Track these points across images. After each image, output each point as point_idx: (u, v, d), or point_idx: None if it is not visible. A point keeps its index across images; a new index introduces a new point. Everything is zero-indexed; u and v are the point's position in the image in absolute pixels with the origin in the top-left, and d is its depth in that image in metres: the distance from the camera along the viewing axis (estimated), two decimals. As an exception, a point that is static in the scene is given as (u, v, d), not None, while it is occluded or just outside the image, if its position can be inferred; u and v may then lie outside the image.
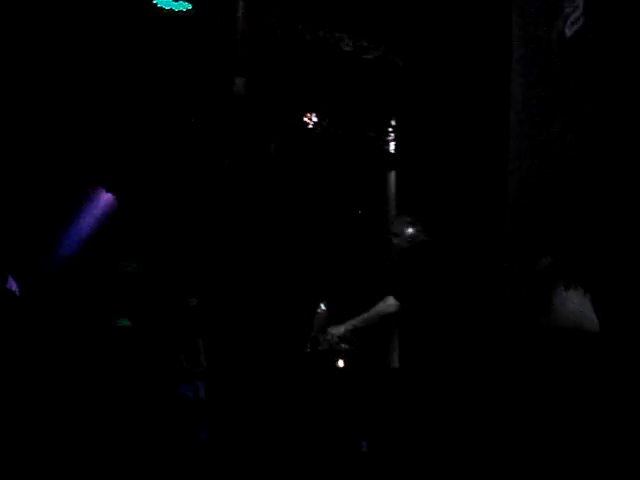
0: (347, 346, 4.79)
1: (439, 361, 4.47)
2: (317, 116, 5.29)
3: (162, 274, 4.90)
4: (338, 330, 4.79)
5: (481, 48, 4.69)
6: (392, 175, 5.46)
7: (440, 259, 4.61)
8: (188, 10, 5.07)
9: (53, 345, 4.56)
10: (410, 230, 4.50)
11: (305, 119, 5.29)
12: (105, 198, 4.77)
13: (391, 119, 5.45)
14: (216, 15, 5.05)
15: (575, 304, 3.86)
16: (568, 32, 3.55)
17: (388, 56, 5.35)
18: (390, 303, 4.56)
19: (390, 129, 5.45)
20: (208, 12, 5.07)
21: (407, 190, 5.31)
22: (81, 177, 4.80)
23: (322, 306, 4.97)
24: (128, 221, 4.87)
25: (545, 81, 4.05)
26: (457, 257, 4.80)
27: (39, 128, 4.82)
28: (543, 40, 3.98)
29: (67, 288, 4.72)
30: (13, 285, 4.48)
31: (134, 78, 4.96)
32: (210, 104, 5.07)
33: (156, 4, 5.06)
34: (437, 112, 5.07)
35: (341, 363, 4.81)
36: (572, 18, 3.48)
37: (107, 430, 4.44)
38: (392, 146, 5.46)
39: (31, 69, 4.90)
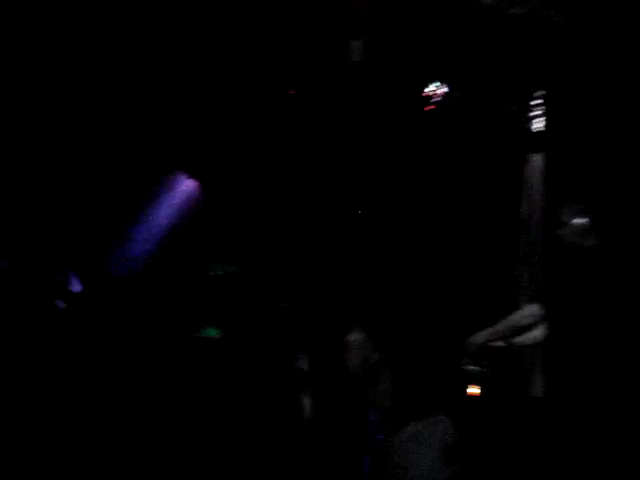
0: (478, 367, 4.27)
1: (596, 391, 3.87)
2: (446, 85, 4.53)
3: (255, 276, 4.31)
4: (477, 338, 4.19)
5: None
6: (539, 159, 4.63)
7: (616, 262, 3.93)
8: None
9: (126, 358, 4.08)
10: (580, 220, 3.91)
11: (431, 88, 4.55)
12: (186, 185, 4.26)
13: (540, 89, 4.59)
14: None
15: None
16: None
17: (540, 10, 4.57)
18: (527, 314, 4.09)
19: (538, 102, 4.60)
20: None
21: (559, 177, 4.49)
22: (157, 161, 4.30)
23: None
24: (214, 213, 4.33)
25: None
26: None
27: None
28: None
29: (142, 292, 4.22)
30: (77, 286, 4.08)
31: (237, 43, 4.41)
32: (323, 71, 4.44)
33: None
34: (603, 82, 4.24)
35: (475, 390, 4.24)
36: None
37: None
38: (539, 123, 4.63)
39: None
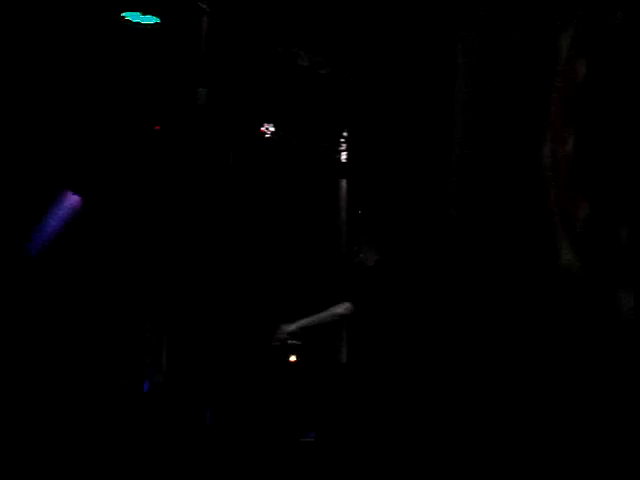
0: (296, 342, 5.16)
1: (384, 358, 4.87)
2: (274, 126, 5.58)
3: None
4: (289, 327, 5.09)
5: (428, 68, 5.08)
6: (343, 183, 5.83)
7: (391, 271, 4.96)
8: (156, 23, 5.31)
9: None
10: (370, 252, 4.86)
11: (263, 129, 5.59)
12: (71, 200, 4.91)
13: (343, 130, 5.81)
14: (181, 30, 5.30)
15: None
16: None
17: (341, 71, 5.66)
18: (346, 306, 4.94)
19: (342, 139, 5.79)
20: (174, 27, 5.32)
21: (357, 196, 5.69)
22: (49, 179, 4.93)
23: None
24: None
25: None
26: (405, 267, 5.10)
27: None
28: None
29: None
30: None
31: (102, 87, 5.19)
32: (174, 113, 5.32)
33: (124, 17, 5.29)
34: (386, 124, 5.46)
35: (293, 358, 5.20)
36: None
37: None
38: (343, 156, 5.82)
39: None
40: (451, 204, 4.29)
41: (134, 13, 5.26)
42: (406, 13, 5.11)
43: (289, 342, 5.19)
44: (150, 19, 5.30)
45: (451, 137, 4.41)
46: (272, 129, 5.60)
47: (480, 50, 4.22)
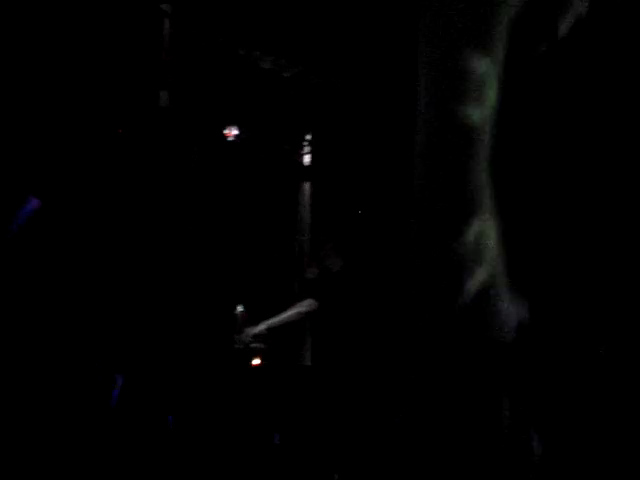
0: (261, 345, 5.12)
1: (347, 359, 4.96)
2: (237, 129, 5.60)
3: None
4: (253, 329, 5.03)
5: (391, 70, 5.15)
6: (307, 186, 5.85)
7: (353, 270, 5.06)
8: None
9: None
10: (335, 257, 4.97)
11: (226, 131, 5.59)
12: (31, 204, 4.90)
13: (306, 133, 5.84)
14: (142, 32, 5.29)
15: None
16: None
17: (304, 74, 5.71)
18: (309, 303, 4.93)
19: (305, 143, 5.83)
20: (135, 29, 5.30)
21: (321, 199, 5.73)
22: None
23: (239, 307, 5.28)
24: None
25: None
26: (366, 266, 5.17)
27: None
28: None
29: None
30: None
31: (63, 90, 5.16)
32: (136, 116, 5.31)
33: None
34: (350, 127, 5.51)
35: (256, 361, 5.13)
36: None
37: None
38: (306, 159, 5.84)
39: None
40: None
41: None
42: (368, 14, 5.16)
43: (252, 346, 5.14)
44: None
45: (413, 140, 4.49)
46: (235, 132, 5.59)
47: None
